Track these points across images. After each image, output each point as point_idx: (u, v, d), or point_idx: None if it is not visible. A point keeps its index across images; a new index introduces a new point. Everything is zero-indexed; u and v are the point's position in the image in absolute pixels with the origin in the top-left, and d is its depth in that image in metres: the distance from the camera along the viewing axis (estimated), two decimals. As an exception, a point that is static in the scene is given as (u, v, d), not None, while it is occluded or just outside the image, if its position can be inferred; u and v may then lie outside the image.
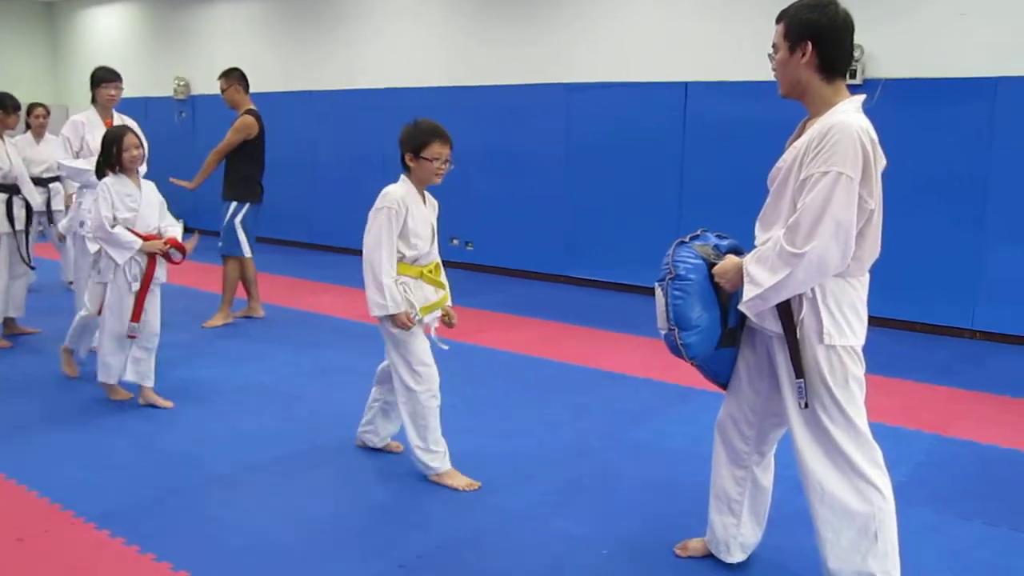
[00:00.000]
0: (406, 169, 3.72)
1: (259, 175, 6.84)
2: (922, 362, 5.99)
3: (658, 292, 2.72)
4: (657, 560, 3.11)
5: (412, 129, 3.71)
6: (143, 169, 4.81)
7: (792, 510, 3.16)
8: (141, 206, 4.55)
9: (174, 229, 4.66)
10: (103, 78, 5.73)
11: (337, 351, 6.00)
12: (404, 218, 3.61)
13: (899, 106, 6.59)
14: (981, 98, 6.49)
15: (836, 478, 2.57)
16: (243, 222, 6.68)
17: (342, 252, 10.52)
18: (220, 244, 6.70)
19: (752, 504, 2.96)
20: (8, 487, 3.63)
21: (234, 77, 6.92)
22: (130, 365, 4.66)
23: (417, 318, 3.64)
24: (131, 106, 7.77)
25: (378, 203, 3.63)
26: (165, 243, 4.57)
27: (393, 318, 3.59)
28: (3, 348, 5.82)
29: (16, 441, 4.17)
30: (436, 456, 3.73)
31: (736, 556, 3.01)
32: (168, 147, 6.84)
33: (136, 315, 4.58)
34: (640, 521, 3.43)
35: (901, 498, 2.63)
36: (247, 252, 6.69)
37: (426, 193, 3.81)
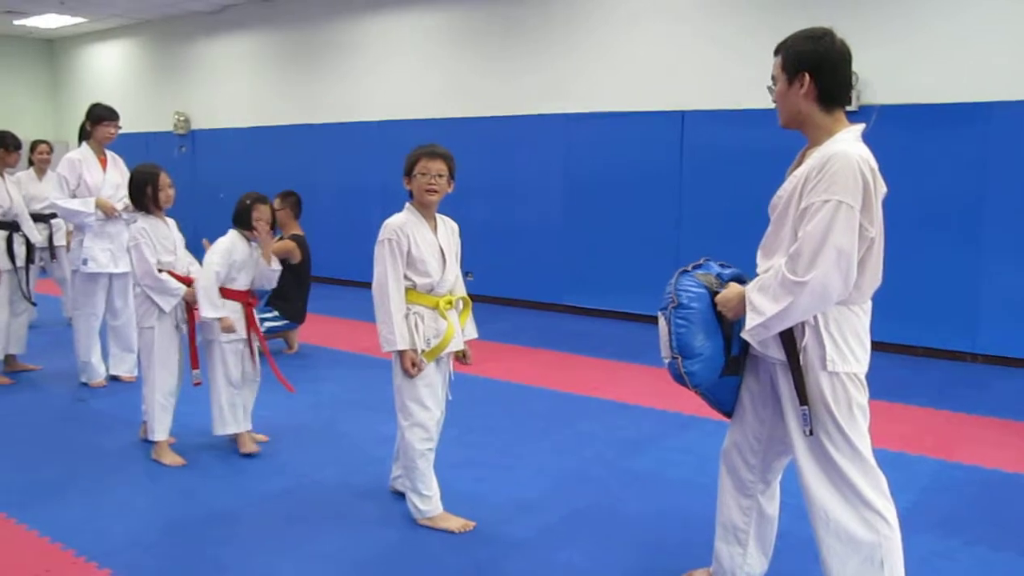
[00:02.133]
0: (409, 195, 3.72)
1: (300, 297, 6.93)
2: (924, 386, 5.98)
3: (661, 321, 2.72)
4: (662, 591, 3.10)
5: (408, 154, 3.73)
6: (131, 217, 4.80)
7: (797, 539, 3.14)
8: (176, 247, 4.49)
9: (198, 269, 4.52)
10: (103, 116, 5.73)
11: (335, 384, 5.99)
12: (407, 246, 3.56)
13: (895, 131, 6.63)
14: (976, 123, 6.53)
15: (841, 506, 2.55)
16: (270, 329, 6.65)
17: (340, 284, 10.54)
18: None
19: (758, 533, 2.94)
20: (9, 526, 3.61)
21: (289, 202, 6.97)
22: (228, 413, 4.46)
23: (423, 362, 3.55)
24: (132, 141, 7.83)
25: (380, 235, 3.61)
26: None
27: (401, 356, 3.53)
28: (4, 384, 5.81)
29: (17, 480, 4.15)
30: (425, 500, 3.62)
31: (742, 586, 2.99)
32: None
33: (195, 360, 4.47)
34: (643, 551, 3.41)
35: (906, 524, 2.62)
36: None
37: (440, 218, 3.76)
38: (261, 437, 4.65)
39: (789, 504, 3.02)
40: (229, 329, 4.32)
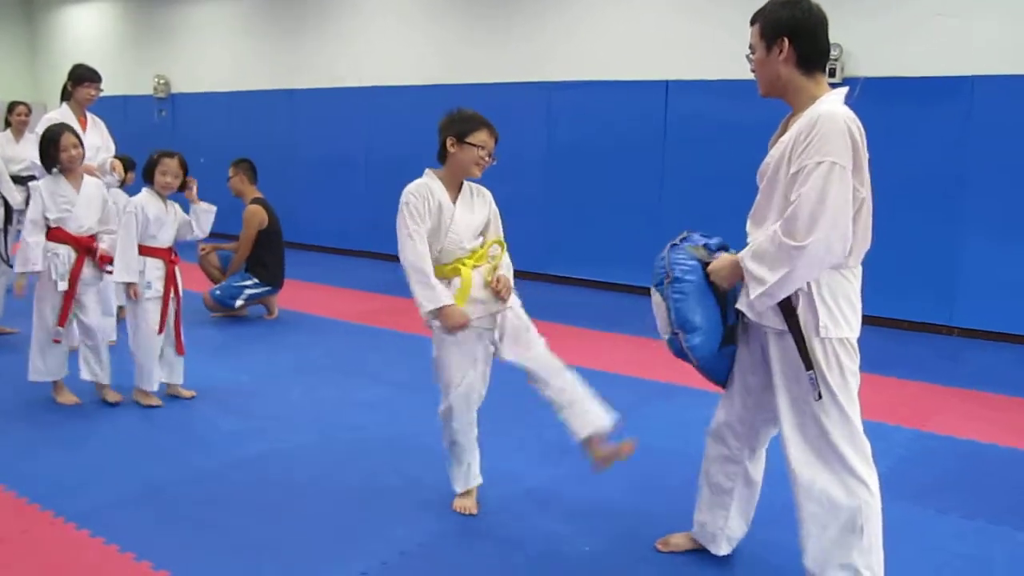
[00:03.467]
0: (442, 159, 3.44)
1: (278, 261, 6.94)
2: (901, 358, 6.04)
3: (656, 297, 2.72)
4: (639, 555, 3.13)
5: (457, 115, 3.41)
6: (111, 179, 5.15)
7: (778, 505, 3.17)
8: (76, 206, 4.54)
9: (111, 238, 4.62)
10: (84, 77, 5.65)
11: (315, 349, 5.98)
12: (429, 205, 3.33)
13: (877, 104, 6.61)
14: (958, 96, 6.55)
15: (824, 472, 2.58)
16: (250, 296, 6.80)
17: (324, 251, 10.49)
18: (216, 291, 6.77)
19: (741, 498, 2.98)
20: (-14, 487, 3.60)
21: (242, 168, 6.98)
22: (82, 365, 4.68)
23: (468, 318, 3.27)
24: (109, 104, 7.71)
25: (401, 200, 3.38)
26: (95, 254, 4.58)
27: (444, 316, 3.25)
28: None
29: (-6, 441, 4.13)
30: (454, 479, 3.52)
31: (723, 549, 3.04)
32: (147, 146, 6.77)
33: (63, 319, 4.57)
34: (624, 519, 3.44)
35: (883, 492, 2.65)
36: (236, 305, 6.79)
37: (469, 185, 3.49)
38: (188, 392, 4.81)
39: (773, 470, 3.04)
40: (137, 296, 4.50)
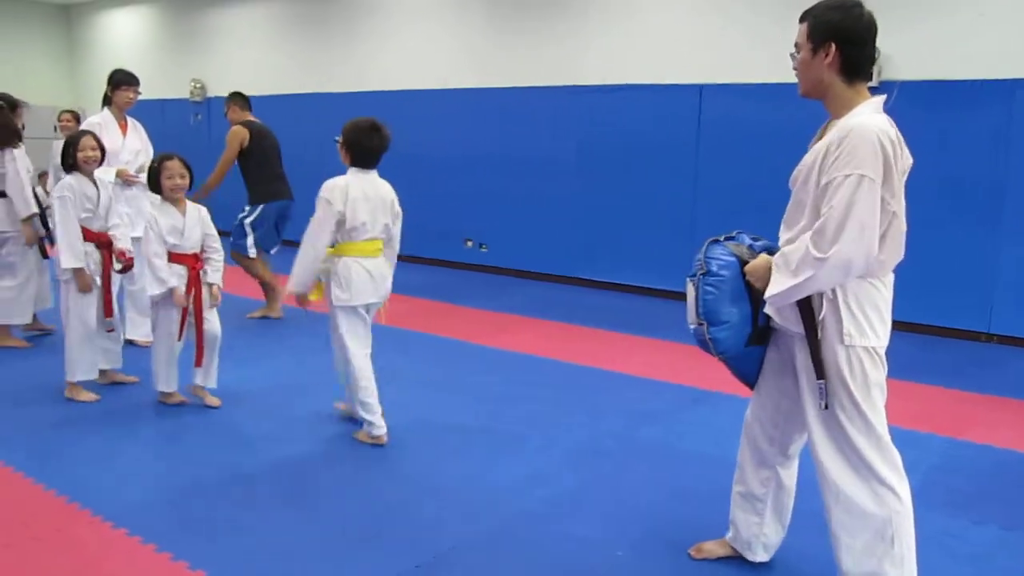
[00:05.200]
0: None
1: (267, 177, 6.94)
2: (937, 365, 5.96)
3: (689, 287, 2.72)
4: (672, 562, 3.11)
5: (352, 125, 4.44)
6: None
7: (808, 511, 3.14)
8: (98, 206, 4.76)
9: (122, 232, 4.88)
10: (122, 81, 5.78)
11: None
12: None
13: (916, 108, 6.55)
14: (998, 100, 6.45)
15: (853, 480, 2.56)
16: (253, 223, 6.83)
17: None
18: (231, 240, 6.80)
19: (776, 503, 2.96)
20: (25, 485, 3.66)
21: (233, 99, 7.12)
22: (102, 355, 4.90)
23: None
24: (147, 108, 7.83)
25: None
26: (119, 256, 4.81)
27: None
28: (23, 348, 5.86)
29: (32, 439, 4.20)
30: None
31: (759, 555, 3.02)
32: (184, 148, 6.85)
33: (108, 310, 4.81)
34: (654, 523, 3.42)
35: (916, 502, 2.61)
36: (252, 252, 6.81)
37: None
38: (214, 400, 4.79)
39: (802, 476, 3.02)
40: (180, 301, 4.51)
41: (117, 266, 4.83)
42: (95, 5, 14.42)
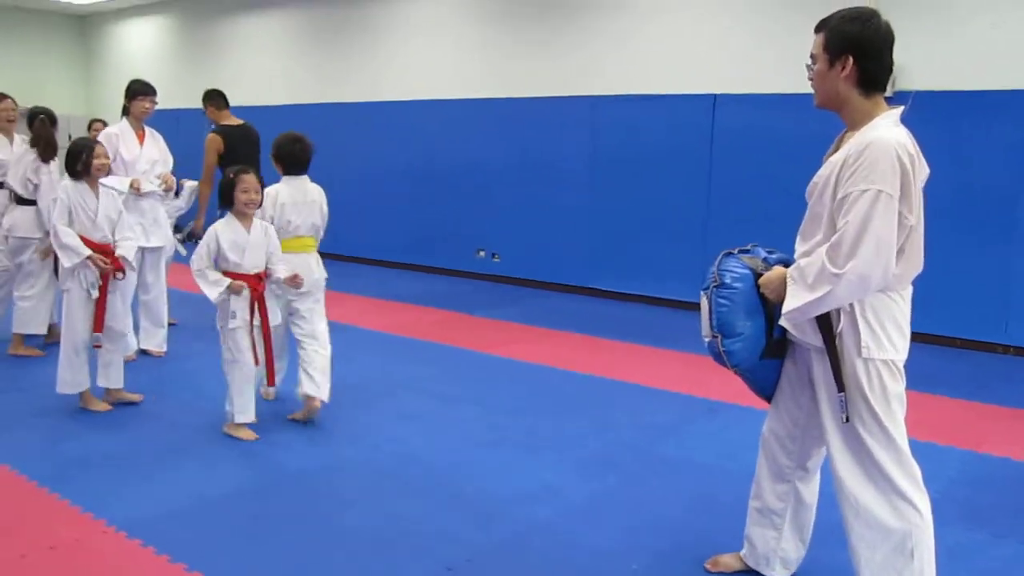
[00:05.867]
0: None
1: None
2: (954, 377, 5.92)
3: (703, 300, 2.71)
4: (688, 575, 3.09)
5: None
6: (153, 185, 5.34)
7: (828, 524, 3.12)
8: (99, 216, 4.67)
9: (127, 244, 4.77)
10: (139, 91, 5.81)
11: (357, 361, 5.99)
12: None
13: (930, 118, 6.50)
14: (1014, 110, 6.41)
15: (872, 494, 2.54)
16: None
17: (367, 263, 10.58)
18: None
19: (794, 519, 2.93)
20: (40, 495, 3.66)
21: (207, 98, 7.15)
22: (100, 371, 4.76)
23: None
24: (163, 118, 7.85)
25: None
26: (107, 262, 4.65)
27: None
28: (35, 356, 5.89)
29: (48, 450, 4.21)
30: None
31: (778, 571, 2.98)
32: (198, 159, 6.94)
33: (98, 325, 4.68)
34: (668, 536, 3.40)
35: (935, 515, 2.59)
36: None
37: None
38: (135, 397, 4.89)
39: (820, 490, 3.00)
40: (236, 290, 4.28)
41: (107, 268, 4.69)
42: (111, 15, 14.53)
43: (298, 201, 4.67)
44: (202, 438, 4.42)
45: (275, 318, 4.53)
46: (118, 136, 5.71)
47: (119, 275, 4.73)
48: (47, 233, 5.74)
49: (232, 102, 7.47)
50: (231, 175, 4.38)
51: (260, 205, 4.47)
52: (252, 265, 4.36)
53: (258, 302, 4.38)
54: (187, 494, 3.71)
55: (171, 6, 13.43)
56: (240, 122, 7.21)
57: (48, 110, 6.13)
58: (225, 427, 4.46)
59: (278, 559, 3.16)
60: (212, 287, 4.26)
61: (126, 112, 5.93)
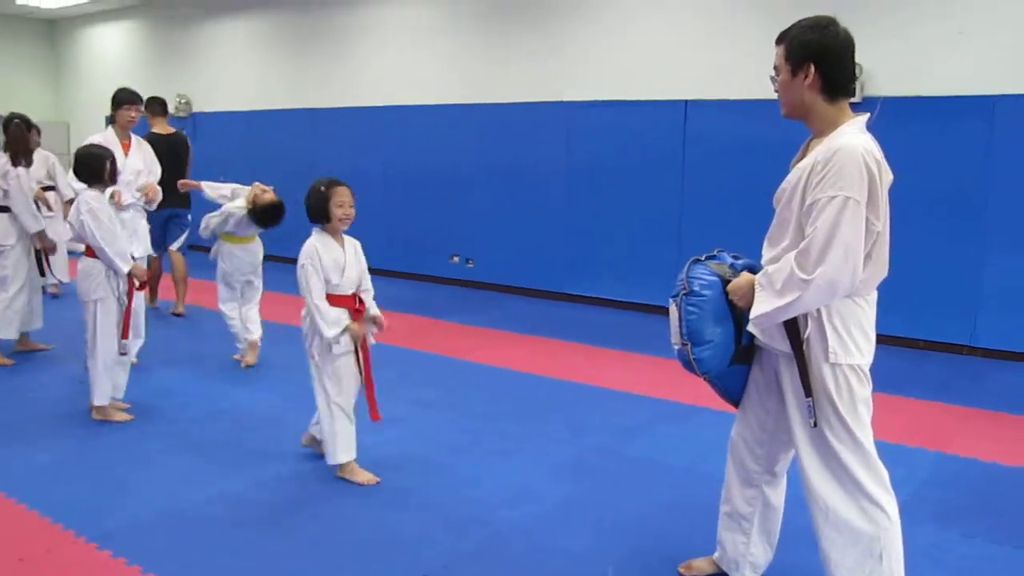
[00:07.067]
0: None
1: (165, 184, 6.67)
2: (922, 379, 5.99)
3: (672, 308, 2.72)
4: (661, 579, 3.11)
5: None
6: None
7: (797, 528, 3.15)
8: (122, 226, 4.77)
9: (146, 247, 4.98)
10: (125, 99, 5.76)
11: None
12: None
13: (898, 123, 6.59)
14: (979, 115, 6.51)
15: (841, 498, 2.57)
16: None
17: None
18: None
19: (762, 523, 2.95)
20: (8, 506, 3.62)
21: (144, 104, 6.90)
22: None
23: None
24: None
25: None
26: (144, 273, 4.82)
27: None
28: (5, 365, 5.82)
29: (16, 461, 4.16)
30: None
31: (747, 575, 3.01)
32: (169, 164, 6.89)
33: (125, 332, 4.68)
34: (642, 538, 3.42)
35: (904, 516, 2.62)
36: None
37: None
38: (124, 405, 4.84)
39: (789, 494, 3.03)
40: (354, 334, 3.93)
41: (144, 277, 4.82)
42: (80, 20, 14.39)
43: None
44: (175, 448, 4.38)
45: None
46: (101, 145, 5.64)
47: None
48: (24, 237, 5.74)
49: (203, 107, 7.46)
50: (323, 188, 3.92)
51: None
52: (349, 285, 3.95)
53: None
54: (159, 504, 3.68)
55: (141, 11, 13.32)
56: (172, 131, 7.40)
57: (23, 115, 6.08)
58: (338, 471, 3.98)
59: (252, 568, 3.14)
60: (332, 327, 3.83)
61: (112, 120, 5.87)
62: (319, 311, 3.82)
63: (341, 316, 3.88)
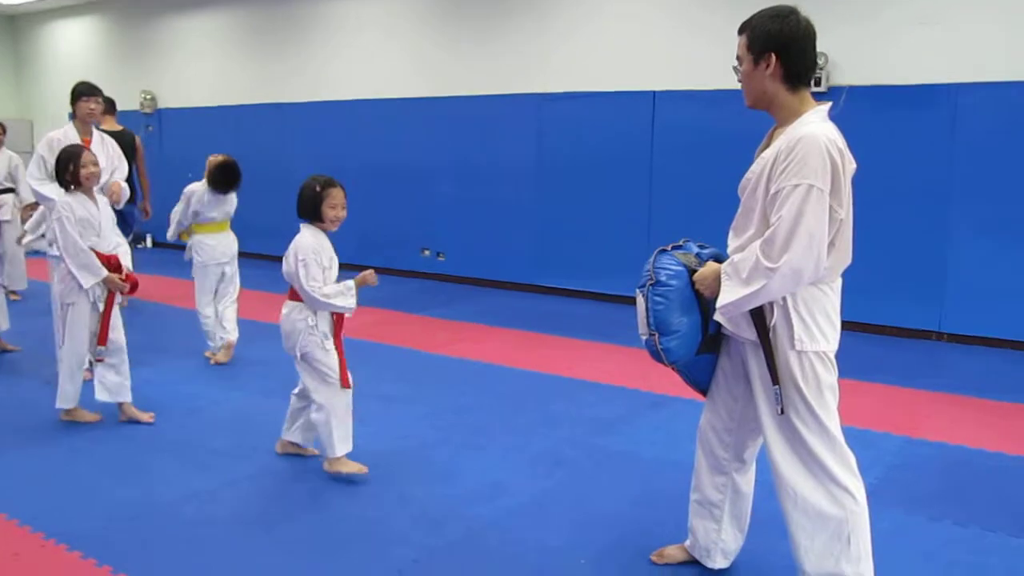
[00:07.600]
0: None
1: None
2: (890, 365, 6.06)
3: (639, 298, 2.73)
4: (634, 568, 3.12)
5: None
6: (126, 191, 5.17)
7: (766, 514, 3.18)
8: (102, 227, 4.52)
9: (124, 252, 4.70)
10: (83, 92, 5.59)
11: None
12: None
13: (863, 112, 6.67)
14: (942, 104, 6.59)
15: (809, 483, 2.60)
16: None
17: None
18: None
19: (732, 510, 2.98)
20: (-25, 509, 3.57)
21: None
22: (98, 385, 4.60)
23: None
24: (96, 120, 7.70)
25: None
26: (124, 278, 4.53)
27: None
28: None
29: (-17, 462, 4.11)
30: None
31: (718, 562, 3.03)
32: (133, 160, 6.82)
33: (102, 338, 4.54)
34: (617, 529, 3.44)
35: (872, 500, 2.66)
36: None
37: None
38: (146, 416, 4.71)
39: (758, 480, 3.06)
40: (371, 281, 4.05)
41: (124, 287, 4.57)
42: (42, 15, 14.17)
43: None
44: (147, 448, 4.35)
45: None
46: (61, 141, 5.49)
47: (126, 289, 4.60)
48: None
49: (169, 103, 7.39)
50: (318, 187, 3.91)
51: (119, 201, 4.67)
52: (335, 276, 4.04)
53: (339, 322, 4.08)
54: (131, 505, 3.64)
55: (104, 6, 13.14)
56: (119, 128, 7.38)
57: None
58: (327, 465, 3.97)
59: (224, 566, 3.12)
60: (345, 297, 3.94)
61: (73, 115, 5.73)
62: (327, 297, 3.89)
63: (342, 286, 3.96)
